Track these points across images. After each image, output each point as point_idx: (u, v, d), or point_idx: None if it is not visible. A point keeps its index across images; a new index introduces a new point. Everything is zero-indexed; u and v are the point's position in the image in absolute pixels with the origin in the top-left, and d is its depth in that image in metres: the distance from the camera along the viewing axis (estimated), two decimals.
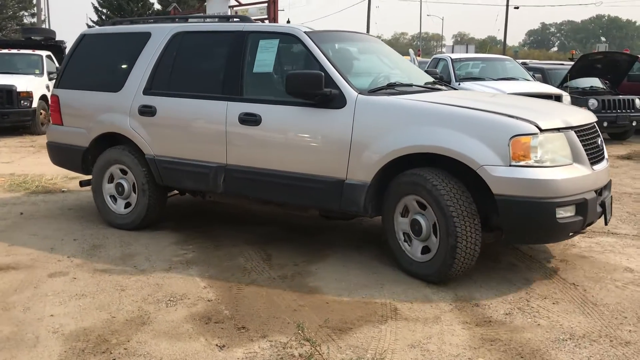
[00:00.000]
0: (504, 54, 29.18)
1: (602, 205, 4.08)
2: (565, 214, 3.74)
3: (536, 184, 3.66)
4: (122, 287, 3.98)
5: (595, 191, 4.00)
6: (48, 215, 5.84)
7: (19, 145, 11.05)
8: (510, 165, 3.69)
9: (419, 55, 27.40)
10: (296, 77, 4.18)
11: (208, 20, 5.84)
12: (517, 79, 11.64)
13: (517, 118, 3.82)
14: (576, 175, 3.82)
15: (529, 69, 13.33)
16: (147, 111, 5.08)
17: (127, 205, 5.34)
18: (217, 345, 3.17)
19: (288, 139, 4.42)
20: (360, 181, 4.13)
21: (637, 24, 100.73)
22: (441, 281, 3.96)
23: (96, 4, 46.58)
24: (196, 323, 3.44)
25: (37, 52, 14.05)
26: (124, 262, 4.49)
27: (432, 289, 3.94)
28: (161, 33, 5.21)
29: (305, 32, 4.54)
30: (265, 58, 4.65)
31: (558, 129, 3.88)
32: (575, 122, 4.03)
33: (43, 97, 12.90)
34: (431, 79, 5.19)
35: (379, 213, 4.27)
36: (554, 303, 3.73)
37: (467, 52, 31.01)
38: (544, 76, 13.23)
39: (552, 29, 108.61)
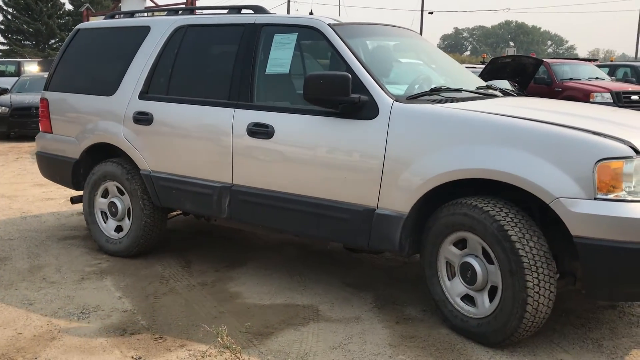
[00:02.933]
0: None
1: None
2: None
3: (631, 225, 2.77)
4: (30, 302, 3.75)
5: None
6: None
7: None
8: (595, 199, 2.81)
9: None
10: (317, 80, 3.43)
11: (216, 12, 4.81)
12: None
13: (605, 136, 2.92)
14: None
15: None
16: (142, 119, 4.37)
17: (118, 228, 4.69)
18: (132, 357, 3.04)
19: (306, 156, 3.65)
20: (395, 211, 3.34)
21: (541, 29, 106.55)
22: (499, 344, 3.13)
23: (1, 3, 44.06)
24: (110, 335, 3.29)
25: None
26: (32, 275, 4.24)
27: (353, 289, 3.97)
28: (162, 27, 4.50)
29: (329, 25, 3.76)
30: (280, 56, 3.88)
31: None
32: None
33: None
34: (483, 83, 4.36)
35: (418, 251, 3.48)
36: None
37: None
38: None
39: (465, 34, 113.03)
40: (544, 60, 14.15)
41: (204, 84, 4.25)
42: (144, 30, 4.61)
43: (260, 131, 3.80)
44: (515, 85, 13.36)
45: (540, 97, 12.39)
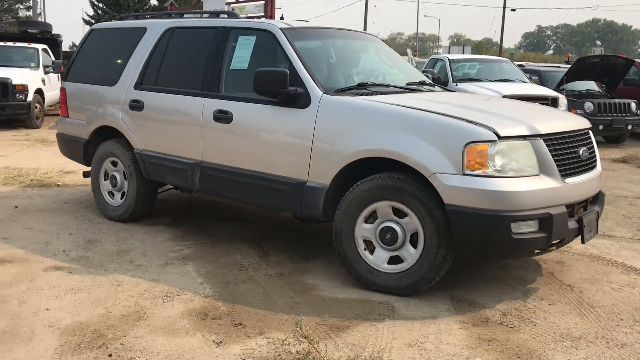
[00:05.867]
0: (500, 56, 29.25)
1: (580, 221, 3.74)
2: (523, 229, 3.45)
3: (490, 196, 3.40)
4: (118, 282, 3.96)
5: (570, 205, 3.70)
6: (43, 209, 5.81)
7: (14, 138, 10.98)
8: (463, 174, 3.45)
9: (415, 56, 27.43)
10: (263, 74, 4.08)
11: (204, 16, 5.80)
12: (514, 81, 11.67)
13: (474, 123, 3.55)
14: (539, 188, 3.51)
15: (525, 71, 13.37)
16: (136, 106, 5.17)
17: (122, 195, 5.46)
18: (214, 341, 3.16)
19: (255, 137, 4.37)
20: (319, 184, 4.01)
21: (632, 28, 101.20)
22: (410, 295, 3.75)
23: None
24: (193, 319, 3.43)
25: (33, 45, 13.97)
26: (120, 257, 4.46)
27: (429, 289, 3.93)
28: (155, 28, 5.30)
29: (281, 29, 4.45)
30: (242, 55, 4.63)
31: (523, 137, 3.57)
32: (545, 130, 3.69)
33: (38, 91, 12.81)
34: (417, 80, 4.98)
35: None
36: (550, 304, 3.73)
37: (463, 53, 31.01)
38: (540, 78, 13.27)
39: (548, 32, 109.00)
40: (636, 60, 13.44)
41: (183, 77, 4.99)
42: (142, 31, 5.40)
43: (223, 117, 4.52)
44: (602, 87, 12.84)
45: (630, 98, 11.86)
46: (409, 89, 4.68)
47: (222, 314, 3.49)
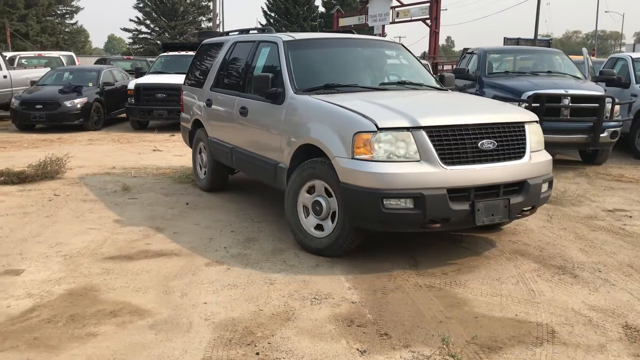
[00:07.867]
0: None
1: (472, 205, 4.15)
2: (399, 205, 4.05)
3: (367, 176, 4.08)
4: (271, 281, 4.08)
5: (461, 190, 4.13)
6: (210, 207, 6.22)
7: None
8: (352, 158, 4.18)
9: (593, 55, 25.26)
10: (257, 78, 5.21)
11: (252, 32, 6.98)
12: None
13: (363, 116, 4.22)
14: (414, 172, 4.06)
15: None
16: (209, 103, 6.66)
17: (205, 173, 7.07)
18: (358, 349, 3.11)
19: (256, 127, 5.59)
20: (284, 164, 5.01)
21: None
22: (339, 249, 4.48)
23: (265, 9, 49.28)
24: (339, 324, 3.41)
25: None
26: (275, 256, 4.61)
27: (598, 314, 3.54)
28: (228, 43, 6.69)
29: (284, 41, 5.52)
30: (261, 62, 5.82)
31: (406, 128, 4.13)
32: (427, 123, 4.16)
33: None
34: (397, 80, 5.76)
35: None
36: None
37: None
38: None
39: None
40: None
41: (232, 81, 6.34)
42: (221, 45, 6.85)
43: (243, 111, 5.77)
44: None
45: None
46: (375, 88, 5.40)
47: (367, 322, 3.44)
